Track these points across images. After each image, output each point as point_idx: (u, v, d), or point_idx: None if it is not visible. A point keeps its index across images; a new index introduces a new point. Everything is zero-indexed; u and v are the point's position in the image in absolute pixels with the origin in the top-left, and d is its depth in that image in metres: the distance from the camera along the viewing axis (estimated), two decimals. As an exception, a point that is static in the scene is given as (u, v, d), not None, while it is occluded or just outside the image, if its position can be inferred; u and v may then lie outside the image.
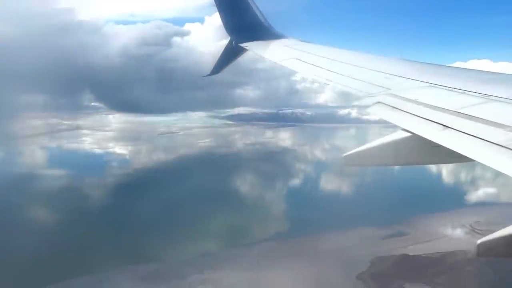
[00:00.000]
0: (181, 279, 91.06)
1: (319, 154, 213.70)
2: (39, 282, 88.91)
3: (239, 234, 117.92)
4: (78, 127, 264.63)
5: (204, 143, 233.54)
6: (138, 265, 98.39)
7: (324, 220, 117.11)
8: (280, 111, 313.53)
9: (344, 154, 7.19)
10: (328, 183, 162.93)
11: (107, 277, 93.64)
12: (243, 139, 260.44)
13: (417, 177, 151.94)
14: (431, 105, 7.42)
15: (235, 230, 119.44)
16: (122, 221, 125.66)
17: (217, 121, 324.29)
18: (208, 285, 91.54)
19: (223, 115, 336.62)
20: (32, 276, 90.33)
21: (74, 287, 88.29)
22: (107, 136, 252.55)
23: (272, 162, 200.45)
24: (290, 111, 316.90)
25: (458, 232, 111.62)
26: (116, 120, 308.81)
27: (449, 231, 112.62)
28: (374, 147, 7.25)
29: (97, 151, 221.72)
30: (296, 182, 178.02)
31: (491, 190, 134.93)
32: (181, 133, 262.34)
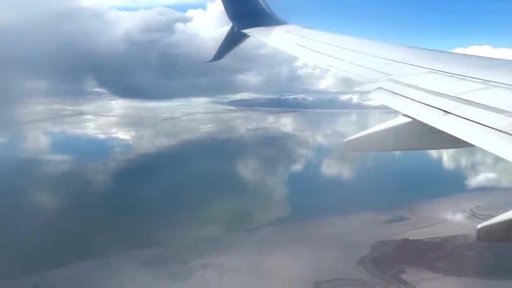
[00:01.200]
0: (183, 264, 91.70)
1: (320, 139, 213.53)
2: (42, 267, 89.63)
3: (241, 219, 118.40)
4: (81, 113, 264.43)
5: (206, 128, 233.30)
6: (141, 250, 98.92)
7: (326, 205, 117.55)
8: (282, 97, 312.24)
9: (346, 140, 7.31)
10: (330, 168, 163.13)
11: (110, 262, 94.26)
12: (245, 124, 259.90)
13: (418, 162, 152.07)
14: (431, 90, 7.43)
15: (237, 215, 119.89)
16: (125, 206, 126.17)
17: (219, 107, 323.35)
18: (210, 269, 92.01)
19: (225, 100, 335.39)
20: (35, 260, 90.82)
21: (77, 271, 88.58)
22: (110, 121, 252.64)
23: (274, 147, 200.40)
24: (292, 97, 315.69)
25: (459, 217, 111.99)
26: (119, 105, 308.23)
27: (449, 216, 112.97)
28: (375, 133, 7.31)
29: (100, 136, 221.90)
30: (297, 167, 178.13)
31: (491, 175, 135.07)
32: (184, 118, 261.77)
